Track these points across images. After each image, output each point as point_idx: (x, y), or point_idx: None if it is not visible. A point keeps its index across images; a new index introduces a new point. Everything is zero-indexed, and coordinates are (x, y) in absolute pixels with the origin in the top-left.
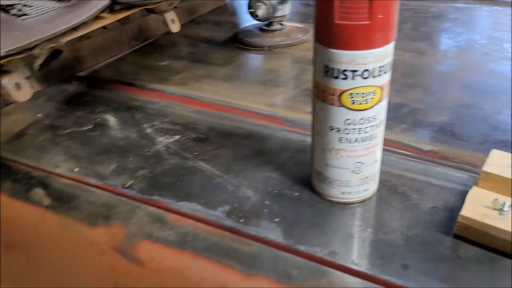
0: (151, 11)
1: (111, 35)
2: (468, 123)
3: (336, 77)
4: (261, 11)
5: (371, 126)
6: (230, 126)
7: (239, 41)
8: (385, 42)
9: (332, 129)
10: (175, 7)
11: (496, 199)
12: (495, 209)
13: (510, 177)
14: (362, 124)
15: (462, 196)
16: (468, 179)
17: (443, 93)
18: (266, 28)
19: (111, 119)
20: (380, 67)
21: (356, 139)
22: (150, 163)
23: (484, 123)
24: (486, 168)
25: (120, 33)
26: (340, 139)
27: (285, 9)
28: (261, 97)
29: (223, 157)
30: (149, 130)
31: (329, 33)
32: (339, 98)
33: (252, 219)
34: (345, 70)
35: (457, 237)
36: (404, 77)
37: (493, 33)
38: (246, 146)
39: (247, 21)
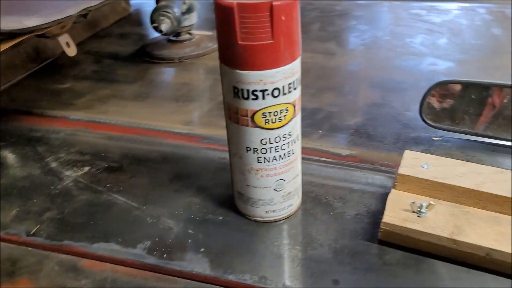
0: (42, 36)
1: (3, 60)
2: (381, 122)
3: (247, 98)
4: (165, 25)
5: (288, 142)
6: (145, 150)
7: (147, 55)
8: (292, 59)
9: (249, 150)
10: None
11: (413, 202)
12: (414, 212)
13: (424, 177)
14: (278, 142)
15: (382, 199)
16: (386, 180)
17: (354, 94)
18: (174, 39)
19: (9, 156)
20: (289, 84)
21: (274, 157)
22: (57, 203)
23: (395, 122)
24: (401, 170)
25: (13, 56)
26: (259, 159)
27: (192, 18)
28: (176, 115)
29: (140, 186)
30: (54, 164)
31: (233, 54)
32: (252, 118)
33: (176, 252)
34: (254, 91)
35: (381, 242)
36: (317, 80)
37: (395, 29)
38: (163, 170)
39: (155, 32)
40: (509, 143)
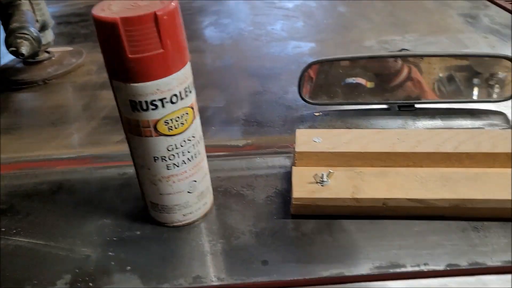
0: None
1: None
2: (266, 109)
3: (146, 109)
4: (25, 48)
5: (193, 144)
6: (34, 183)
7: (4, 82)
8: (183, 64)
9: (157, 159)
10: None
11: (316, 174)
12: (318, 183)
13: (318, 150)
14: (184, 146)
15: (286, 178)
16: (285, 160)
17: (235, 87)
18: (32, 60)
19: None
20: (185, 88)
21: (183, 161)
22: None
23: (279, 105)
24: (298, 148)
25: None
26: (168, 166)
27: (48, 36)
28: (58, 140)
29: (39, 222)
30: None
31: (125, 69)
32: (155, 128)
33: (102, 278)
34: (153, 101)
35: (295, 216)
36: (195, 79)
37: (255, 19)
38: (62, 200)
39: (6, 56)
40: (377, 106)
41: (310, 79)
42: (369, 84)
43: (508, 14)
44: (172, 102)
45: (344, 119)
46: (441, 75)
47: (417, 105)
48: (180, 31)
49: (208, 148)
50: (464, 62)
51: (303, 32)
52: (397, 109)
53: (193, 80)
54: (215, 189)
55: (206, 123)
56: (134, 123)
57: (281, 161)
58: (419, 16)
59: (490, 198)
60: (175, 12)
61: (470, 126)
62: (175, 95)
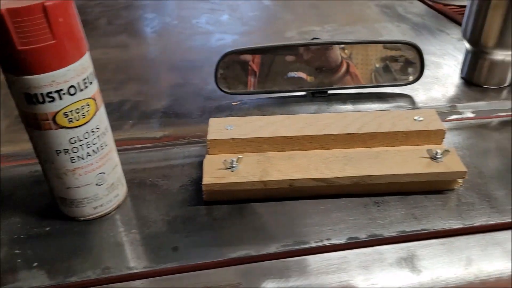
0: None
1: None
2: (185, 100)
3: (43, 102)
4: None
5: (98, 136)
6: None
7: None
8: (80, 55)
9: (60, 153)
10: None
11: (225, 160)
12: (227, 168)
13: (230, 137)
14: (88, 138)
15: (201, 167)
16: (201, 149)
17: (156, 80)
18: None
19: None
20: (84, 80)
21: (88, 153)
22: None
23: (198, 97)
24: (210, 136)
25: None
26: (72, 159)
27: None
28: None
29: None
30: None
31: (16, 61)
32: (54, 121)
33: (7, 277)
34: (49, 93)
35: (208, 203)
36: (117, 73)
37: (181, 13)
38: None
39: None
40: (291, 94)
41: (253, 72)
42: (310, 79)
43: (420, 3)
44: (70, 94)
45: (261, 108)
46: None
47: (330, 91)
48: (74, 21)
49: (124, 141)
50: (374, 50)
51: (227, 24)
52: (312, 96)
53: (114, 75)
54: (130, 181)
55: (123, 117)
56: (32, 116)
57: (198, 150)
58: (340, 8)
59: (386, 174)
60: (66, 2)
61: (377, 109)
62: (73, 86)
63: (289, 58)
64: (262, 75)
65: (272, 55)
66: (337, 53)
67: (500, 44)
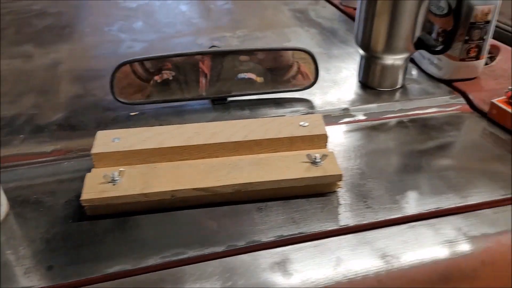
0: None
1: None
2: (83, 112)
3: None
4: None
5: None
6: None
7: None
8: None
9: None
10: None
11: (106, 174)
12: (109, 182)
13: (114, 150)
14: None
15: None
16: (92, 163)
17: (56, 91)
18: None
19: None
20: None
21: None
22: None
23: (96, 108)
24: (94, 150)
25: None
26: None
27: None
28: None
29: None
30: None
31: None
32: None
33: None
34: None
35: (91, 218)
36: (16, 86)
37: (94, 20)
38: None
39: None
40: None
41: (204, 74)
42: (259, 79)
43: (333, 8)
44: None
45: (159, 117)
46: (248, 68)
47: (229, 98)
48: None
49: (11, 158)
50: (269, 55)
51: (139, 32)
52: (212, 103)
53: (12, 88)
54: (13, 199)
55: (14, 132)
56: None
57: (89, 164)
58: (255, 13)
59: (267, 180)
60: None
61: (274, 115)
62: None
63: (244, 57)
64: (217, 78)
65: (185, 62)
66: (288, 53)
67: (388, 49)
